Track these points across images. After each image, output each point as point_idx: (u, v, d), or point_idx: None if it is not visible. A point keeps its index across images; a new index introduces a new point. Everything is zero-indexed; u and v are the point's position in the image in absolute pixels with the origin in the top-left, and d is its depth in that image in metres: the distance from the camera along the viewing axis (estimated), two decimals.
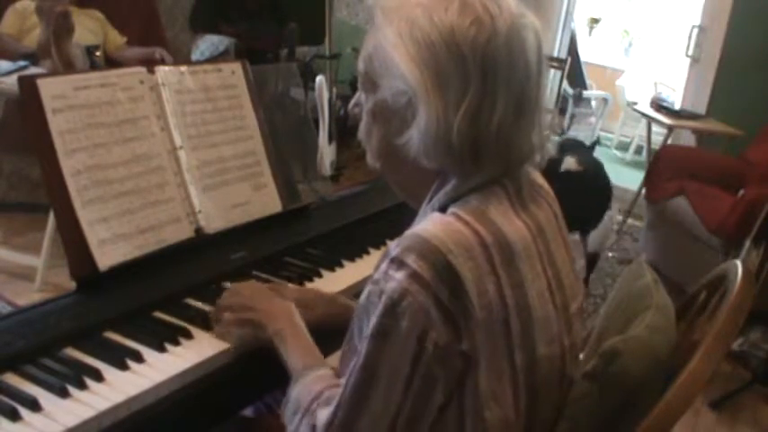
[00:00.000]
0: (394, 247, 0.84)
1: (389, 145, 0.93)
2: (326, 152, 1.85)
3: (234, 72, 1.51)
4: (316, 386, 0.96)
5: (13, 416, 0.89)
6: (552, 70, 4.63)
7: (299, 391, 0.98)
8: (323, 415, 0.89)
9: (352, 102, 1.00)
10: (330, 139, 2.16)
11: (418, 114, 0.86)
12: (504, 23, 0.85)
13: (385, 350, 0.83)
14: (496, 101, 0.85)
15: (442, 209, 0.90)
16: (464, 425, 0.86)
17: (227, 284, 1.28)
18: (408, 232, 0.86)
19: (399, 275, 0.82)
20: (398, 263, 0.82)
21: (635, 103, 4.98)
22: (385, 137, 0.94)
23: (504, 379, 0.86)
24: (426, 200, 0.94)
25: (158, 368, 1.03)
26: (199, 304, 1.21)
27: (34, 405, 0.92)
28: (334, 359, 1.25)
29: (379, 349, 0.83)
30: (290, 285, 1.31)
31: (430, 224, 0.86)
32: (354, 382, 0.85)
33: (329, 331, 1.15)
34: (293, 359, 1.04)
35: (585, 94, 4.32)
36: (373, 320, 0.84)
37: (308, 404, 0.94)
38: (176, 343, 1.09)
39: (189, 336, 1.12)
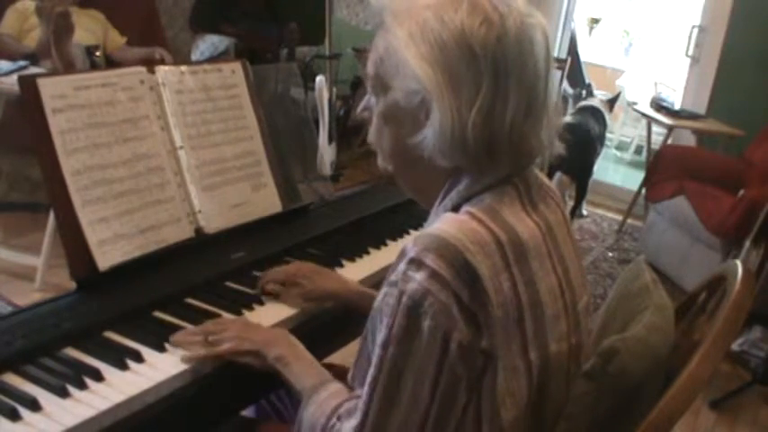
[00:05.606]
0: (411, 247, 0.85)
1: (402, 146, 0.93)
2: (326, 152, 1.85)
3: (234, 72, 1.51)
4: (330, 402, 0.95)
5: (13, 416, 0.89)
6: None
7: (313, 412, 0.96)
8: (348, 426, 0.88)
9: (361, 105, 1.00)
10: (330, 139, 2.16)
11: (432, 113, 0.87)
12: (513, 23, 0.86)
13: (411, 352, 0.82)
14: (509, 99, 0.86)
15: (455, 208, 0.90)
16: (481, 425, 0.86)
17: (230, 283, 1.29)
18: (424, 232, 0.86)
19: (419, 276, 0.82)
20: (417, 263, 0.82)
21: (635, 103, 4.97)
22: (398, 138, 0.94)
23: (519, 376, 0.86)
24: (438, 199, 0.94)
25: (158, 368, 1.03)
26: (200, 304, 1.21)
27: (34, 405, 0.92)
28: (335, 358, 1.26)
29: (404, 352, 0.83)
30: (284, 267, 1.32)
31: (445, 224, 0.86)
32: (381, 387, 0.84)
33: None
34: (300, 381, 1.02)
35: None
36: (394, 322, 0.83)
37: (326, 422, 0.93)
38: None
39: None
